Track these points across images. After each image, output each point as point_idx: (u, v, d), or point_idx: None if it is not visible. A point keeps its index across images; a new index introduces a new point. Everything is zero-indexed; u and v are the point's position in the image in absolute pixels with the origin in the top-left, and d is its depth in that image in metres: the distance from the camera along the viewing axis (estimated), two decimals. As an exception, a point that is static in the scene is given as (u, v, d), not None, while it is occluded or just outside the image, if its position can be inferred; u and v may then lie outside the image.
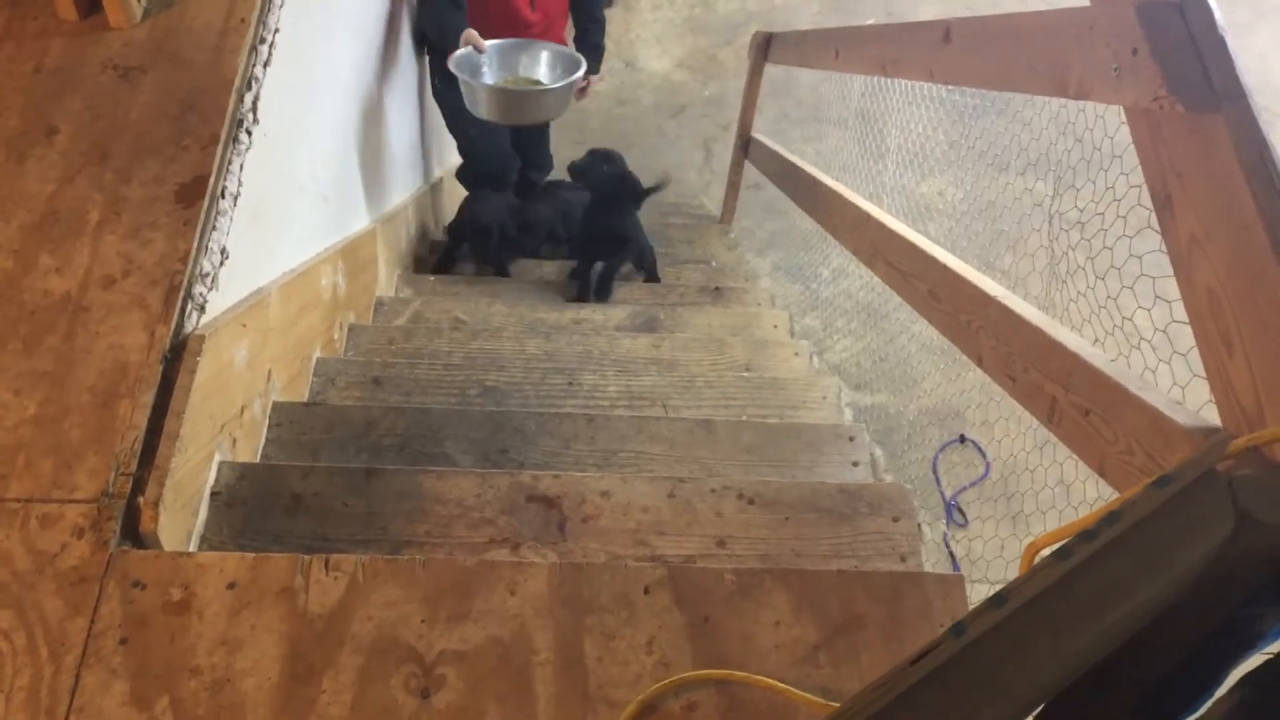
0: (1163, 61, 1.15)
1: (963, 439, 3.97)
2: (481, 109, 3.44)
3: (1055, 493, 3.03)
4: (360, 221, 3.14)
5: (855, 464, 2.05)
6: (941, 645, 0.74)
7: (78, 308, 1.64)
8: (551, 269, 3.96)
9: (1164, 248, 1.21)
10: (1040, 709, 0.79)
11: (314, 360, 2.43)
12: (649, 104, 6.50)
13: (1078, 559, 0.74)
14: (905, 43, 2.24)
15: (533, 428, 2.12)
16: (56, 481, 1.48)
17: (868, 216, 2.35)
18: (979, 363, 1.65)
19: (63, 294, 1.66)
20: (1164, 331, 1.41)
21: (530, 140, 4.59)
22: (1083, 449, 1.34)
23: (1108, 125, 1.61)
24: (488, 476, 1.81)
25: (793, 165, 3.54)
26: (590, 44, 4.03)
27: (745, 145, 4.66)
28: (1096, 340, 1.60)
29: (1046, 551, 0.80)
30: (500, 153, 4.40)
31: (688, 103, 6.52)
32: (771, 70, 4.57)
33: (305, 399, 2.33)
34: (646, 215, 5.00)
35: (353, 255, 2.86)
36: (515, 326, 3.06)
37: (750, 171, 4.79)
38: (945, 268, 1.81)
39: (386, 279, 3.39)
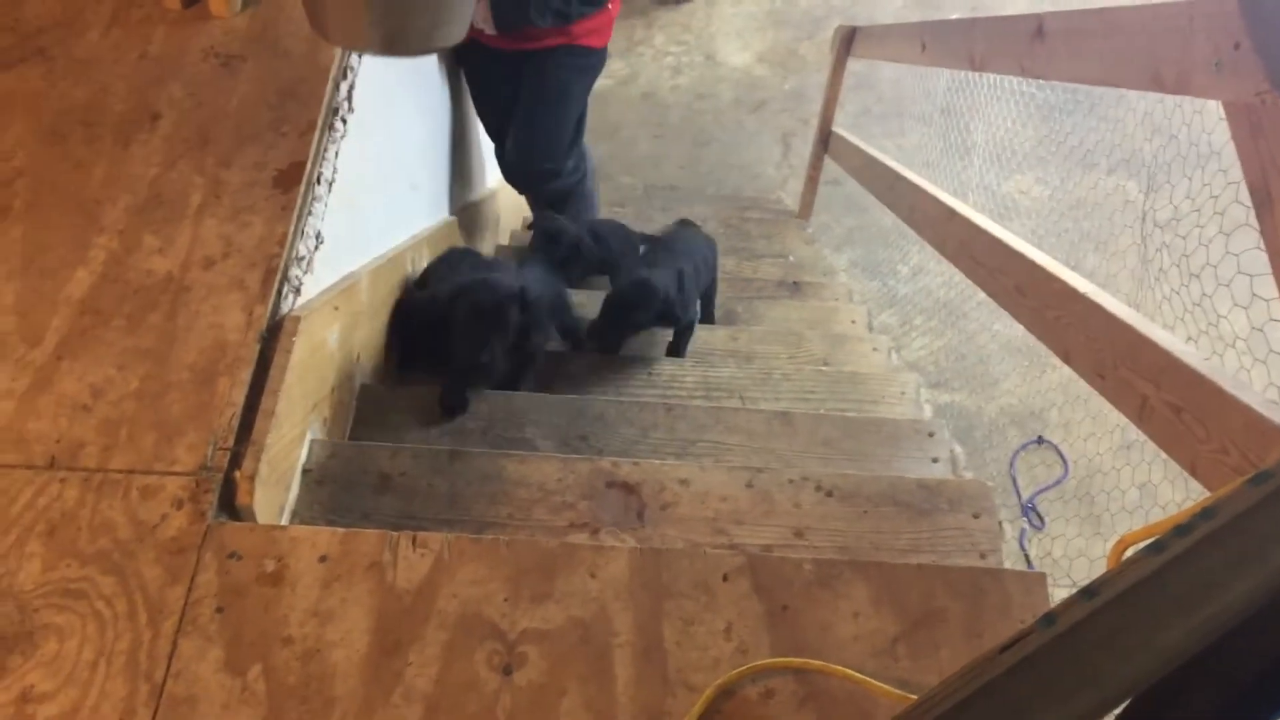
0: (1266, 56, 1.13)
1: (1041, 440, 3.92)
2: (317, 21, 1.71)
3: (1135, 495, 2.99)
4: (442, 211, 3.19)
5: (935, 460, 2.04)
6: (1031, 635, 0.75)
7: (179, 287, 1.70)
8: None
9: (1262, 245, 1.19)
10: (1126, 703, 0.79)
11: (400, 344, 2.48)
12: (729, 99, 6.49)
13: (1172, 553, 0.74)
14: (996, 36, 2.22)
15: (612, 415, 2.14)
16: (157, 454, 1.54)
17: (953, 212, 2.33)
18: (1066, 359, 1.64)
19: (165, 274, 1.72)
20: (1261, 330, 1.39)
21: (531, 124, 3.44)
22: (1174, 448, 1.32)
23: (1205, 121, 1.58)
24: (568, 462, 1.84)
25: (875, 160, 3.51)
26: None
27: (825, 140, 4.64)
28: (1189, 339, 1.58)
29: (1135, 548, 0.80)
30: (528, 150, 3.43)
31: (768, 97, 6.50)
32: (853, 64, 4.54)
33: (391, 382, 2.38)
34: (723, 209, 5.01)
35: (436, 243, 2.91)
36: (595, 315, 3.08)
37: (829, 167, 4.77)
38: (1033, 263, 1.79)
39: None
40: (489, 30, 3.13)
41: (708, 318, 3.10)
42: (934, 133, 4.33)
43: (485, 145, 3.89)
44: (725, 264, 3.97)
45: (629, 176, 5.79)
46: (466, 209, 3.60)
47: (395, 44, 1.65)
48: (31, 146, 1.88)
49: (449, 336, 2.20)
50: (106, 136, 1.88)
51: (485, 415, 2.13)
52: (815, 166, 4.82)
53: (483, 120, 3.56)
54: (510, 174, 3.61)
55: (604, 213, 4.80)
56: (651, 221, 4.73)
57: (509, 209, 4.59)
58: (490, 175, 4.15)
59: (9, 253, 1.73)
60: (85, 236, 1.75)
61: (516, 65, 3.32)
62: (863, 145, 3.90)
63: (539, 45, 3.25)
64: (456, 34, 1.66)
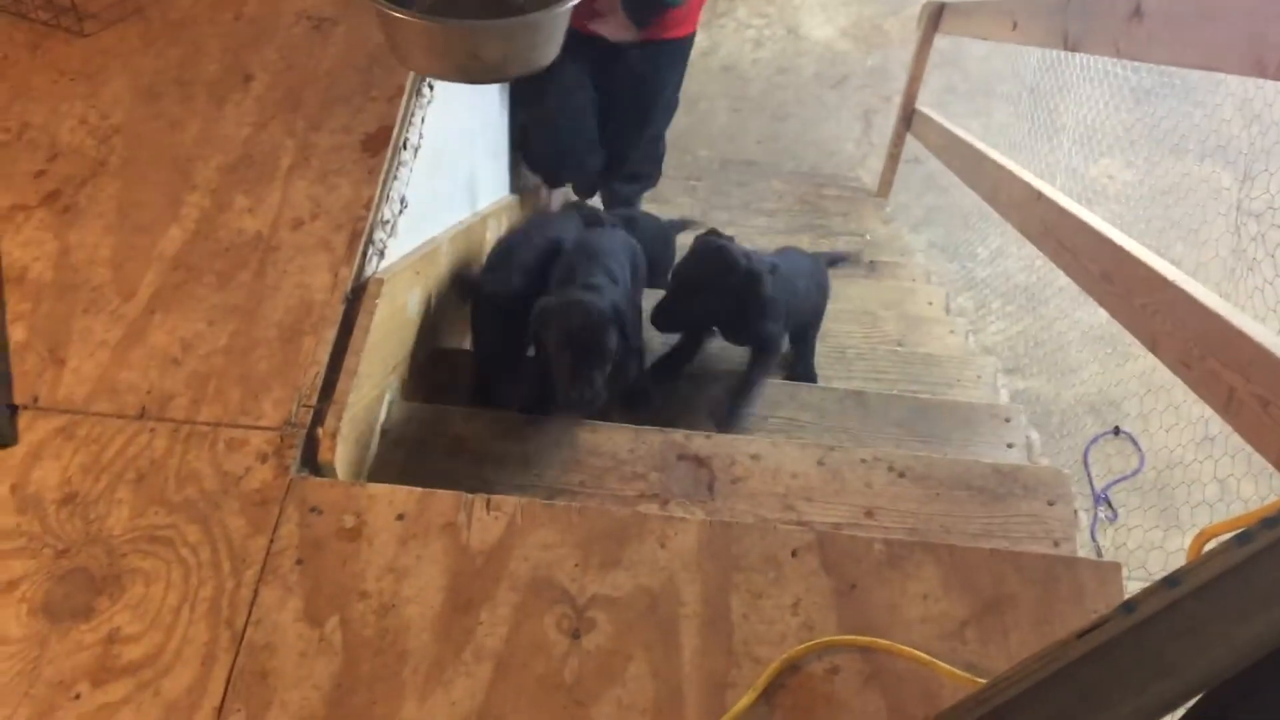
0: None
1: (1118, 430, 3.85)
2: (407, 53, 1.81)
3: (1214, 490, 2.93)
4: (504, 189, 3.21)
5: (1010, 445, 2.02)
6: (1110, 621, 0.74)
7: (268, 247, 1.74)
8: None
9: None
10: (1201, 695, 0.78)
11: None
12: (810, 73, 6.41)
13: (1259, 545, 0.73)
14: (1092, 16, 2.17)
15: (685, 388, 2.15)
16: (244, 409, 1.58)
17: (1039, 194, 2.29)
18: (1152, 348, 1.61)
19: (255, 233, 1.76)
20: (1358, 325, 1.35)
21: (622, 126, 3.14)
22: (1260, 441, 1.29)
23: (1309, 109, 1.54)
24: (641, 433, 1.85)
25: (959, 139, 3.46)
26: None
27: (908, 118, 4.58)
28: (1281, 332, 1.54)
29: (1217, 540, 0.79)
30: (569, 145, 3.03)
31: (849, 73, 6.42)
32: (939, 42, 4.47)
33: (466, 347, 2.41)
34: (800, 185, 4.96)
35: (514, 212, 2.93)
36: (669, 289, 3.09)
37: (910, 145, 4.70)
38: (1121, 249, 1.76)
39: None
40: (629, 36, 2.86)
41: (805, 368, 2.43)
42: (1020, 113, 4.25)
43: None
44: (800, 242, 3.95)
45: (706, 150, 5.76)
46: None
47: (473, 75, 1.80)
48: (128, 105, 1.93)
49: (538, 356, 1.96)
50: (200, 96, 1.93)
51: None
52: (896, 144, 4.75)
53: (531, 114, 2.99)
54: (599, 182, 3.39)
55: (679, 186, 4.78)
56: (729, 196, 4.71)
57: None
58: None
59: (105, 208, 1.78)
60: (179, 194, 1.79)
61: (604, 60, 2.94)
62: (947, 123, 3.84)
63: (645, 38, 2.90)
64: (538, 60, 1.79)
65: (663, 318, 2.08)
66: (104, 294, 1.68)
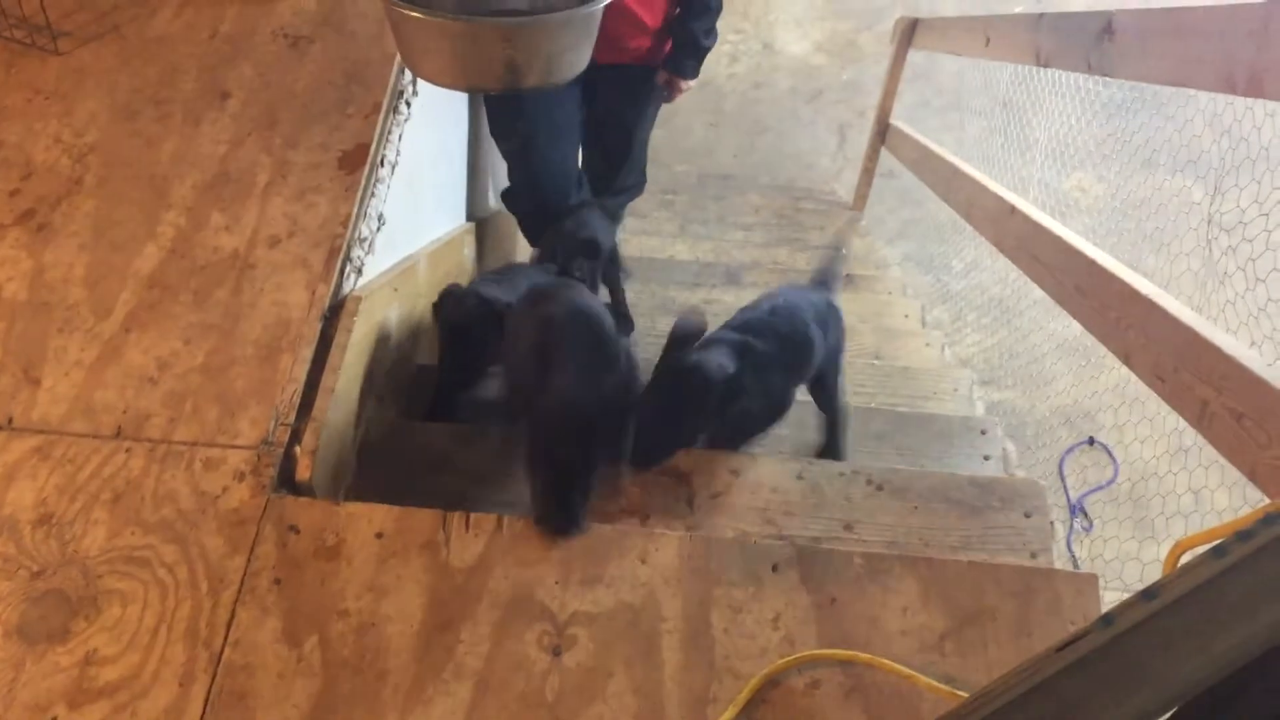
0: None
1: (1092, 441, 3.88)
2: (417, 59, 1.66)
3: (1189, 500, 2.95)
4: (495, 198, 3.21)
5: (986, 458, 2.03)
6: (1089, 634, 0.75)
7: (245, 265, 1.74)
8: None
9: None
10: (1179, 707, 0.79)
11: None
12: (785, 87, 6.45)
13: (1233, 559, 0.74)
14: (1063, 33, 2.20)
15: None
16: (221, 427, 1.57)
17: (1012, 208, 2.31)
18: (1126, 361, 1.62)
19: (231, 251, 1.75)
20: (1328, 337, 1.37)
21: (608, 146, 2.96)
22: (1233, 453, 1.31)
23: (1277, 125, 1.56)
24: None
25: (933, 153, 3.49)
26: (690, 33, 2.64)
27: (883, 132, 4.61)
28: (1253, 344, 1.56)
29: (1192, 553, 0.80)
30: (548, 169, 2.71)
31: (824, 87, 6.46)
32: (913, 56, 4.50)
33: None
34: (776, 199, 4.99)
35: (490, 227, 2.93)
36: (646, 303, 3.09)
37: (884, 159, 4.73)
38: (1094, 262, 1.77)
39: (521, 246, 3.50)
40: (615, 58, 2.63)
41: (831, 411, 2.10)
42: (994, 127, 4.28)
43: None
44: (778, 255, 3.97)
45: (683, 164, 5.77)
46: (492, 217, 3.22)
47: (504, 81, 1.59)
48: (104, 123, 1.92)
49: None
50: (177, 114, 1.92)
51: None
52: (871, 158, 4.78)
53: (508, 138, 2.70)
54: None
55: (655, 201, 4.77)
56: (705, 210, 4.73)
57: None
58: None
59: (81, 226, 1.77)
60: (155, 212, 1.79)
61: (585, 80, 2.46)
62: (921, 138, 3.87)
63: (625, 60, 2.69)
64: (576, 64, 1.65)
65: (642, 456, 1.73)
66: (79, 313, 1.67)
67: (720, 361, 1.73)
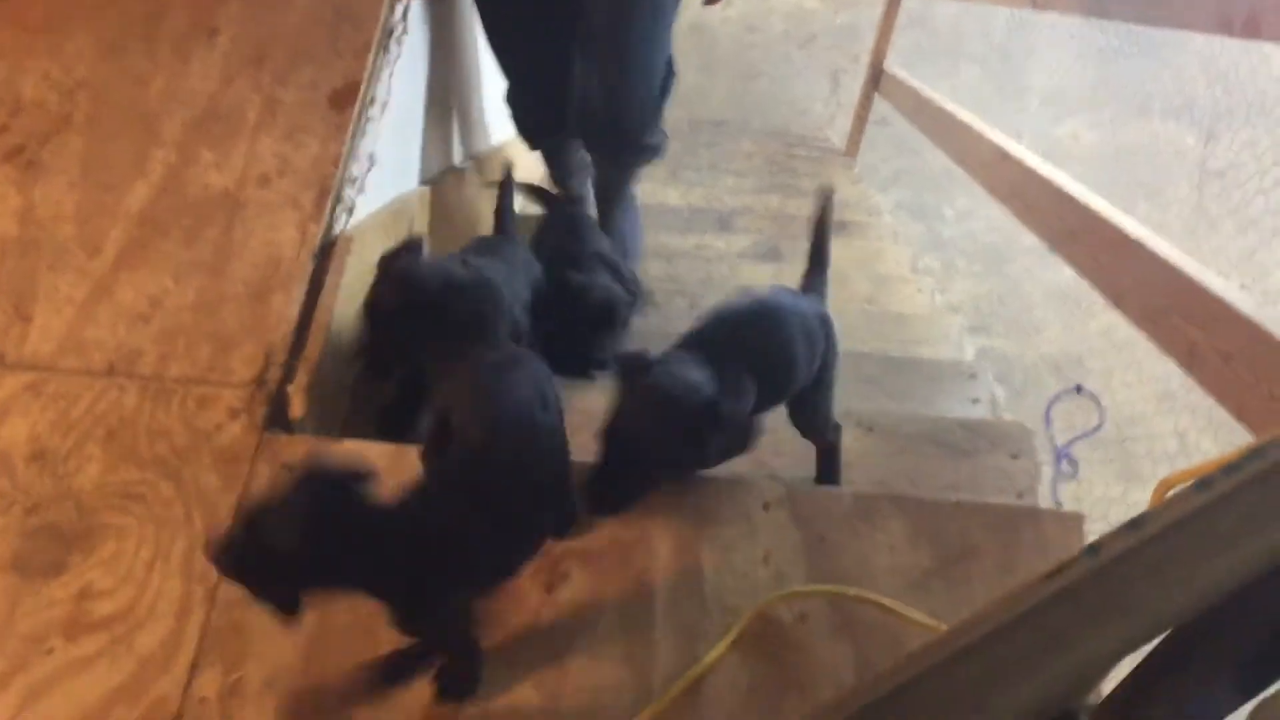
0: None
1: (1080, 388, 3.90)
2: None
3: (1171, 444, 2.99)
4: (495, 138, 3.19)
5: (975, 401, 2.05)
6: (1075, 564, 0.76)
7: (235, 203, 1.73)
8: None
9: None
10: (1164, 636, 0.80)
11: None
12: (778, 31, 6.39)
13: (1219, 491, 0.75)
14: (1059, -25, 2.19)
15: (656, 347, 2.16)
16: (213, 365, 1.57)
17: (1005, 154, 2.31)
18: (1116, 304, 1.63)
19: (221, 189, 1.74)
20: (1317, 280, 1.38)
21: (626, 59, 2.37)
22: (1221, 393, 1.32)
23: (1272, 69, 1.56)
24: (611, 390, 1.86)
25: (927, 100, 3.47)
26: None
27: (876, 78, 4.58)
28: (1243, 287, 1.57)
29: (1178, 489, 0.81)
30: (534, 79, 2.53)
31: (819, 31, 6.41)
32: (908, 2, 4.47)
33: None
34: (769, 145, 4.97)
35: (485, 170, 2.91)
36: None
37: (878, 106, 4.70)
38: (1087, 208, 1.78)
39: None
40: None
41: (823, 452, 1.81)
42: (988, 73, 4.27)
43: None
44: (769, 201, 3.95)
45: (674, 110, 5.74)
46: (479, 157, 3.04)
47: None
48: (91, 59, 1.90)
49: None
50: (165, 51, 1.90)
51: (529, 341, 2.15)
52: (864, 105, 4.76)
53: (504, 48, 2.52)
54: (596, 134, 2.55)
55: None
56: (697, 156, 4.70)
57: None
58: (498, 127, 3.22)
59: (70, 164, 1.76)
60: (144, 150, 1.77)
61: None
62: (916, 84, 3.85)
63: None
64: None
65: (601, 499, 1.44)
66: (69, 250, 1.66)
67: (699, 384, 1.42)
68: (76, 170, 1.74)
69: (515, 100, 2.68)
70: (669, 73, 2.49)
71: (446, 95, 2.60)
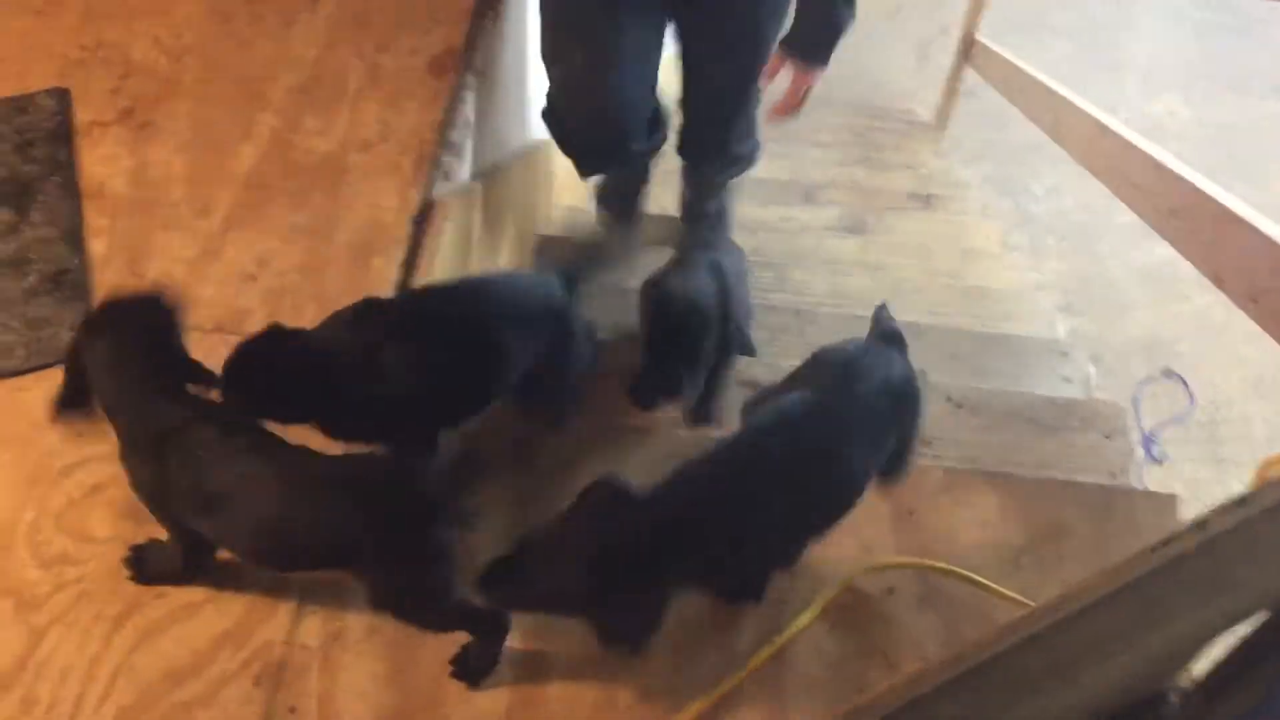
0: None
1: (1169, 373, 3.82)
2: None
3: (1261, 429, 2.93)
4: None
5: (1067, 380, 2.03)
6: (1180, 537, 0.76)
7: (339, 167, 1.77)
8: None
9: None
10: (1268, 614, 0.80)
11: (535, 236, 2.53)
12: (863, 2, 6.31)
13: (1330, 470, 0.74)
14: (1165, -54, 2.13)
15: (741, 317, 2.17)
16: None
17: (1104, 129, 2.27)
18: (1218, 283, 1.60)
19: (325, 154, 1.79)
20: None
21: (713, 77, 2.11)
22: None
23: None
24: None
25: (1023, 72, 3.40)
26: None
27: (967, 49, 4.50)
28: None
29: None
30: (620, 104, 2.03)
31: (904, 2, 6.30)
32: (1001, -28, 4.38)
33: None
34: (852, 117, 4.91)
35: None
36: (723, 219, 3.09)
37: (965, 79, 4.62)
38: (1190, 185, 1.74)
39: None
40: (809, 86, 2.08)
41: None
42: (1079, 47, 4.17)
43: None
44: (855, 174, 3.92)
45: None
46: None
47: None
48: (199, 24, 1.95)
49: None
50: (270, 16, 1.94)
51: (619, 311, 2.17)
52: (954, 77, 4.67)
53: (565, 43, 1.97)
54: (696, 140, 2.28)
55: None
56: (780, 128, 4.66)
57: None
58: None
59: (180, 125, 1.81)
60: (250, 114, 1.82)
61: None
62: (1010, 56, 3.78)
63: None
64: None
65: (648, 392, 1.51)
66: (180, 211, 1.72)
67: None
68: (186, 133, 1.80)
69: (566, 116, 2.08)
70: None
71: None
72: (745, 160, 2.38)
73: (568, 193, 2.91)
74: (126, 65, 1.89)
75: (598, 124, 2.03)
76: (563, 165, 2.62)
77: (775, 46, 2.03)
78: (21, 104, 1.86)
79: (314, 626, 1.35)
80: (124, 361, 1.22)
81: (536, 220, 2.56)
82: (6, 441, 1.40)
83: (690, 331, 1.54)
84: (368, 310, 1.37)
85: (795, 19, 1.97)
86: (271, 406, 1.29)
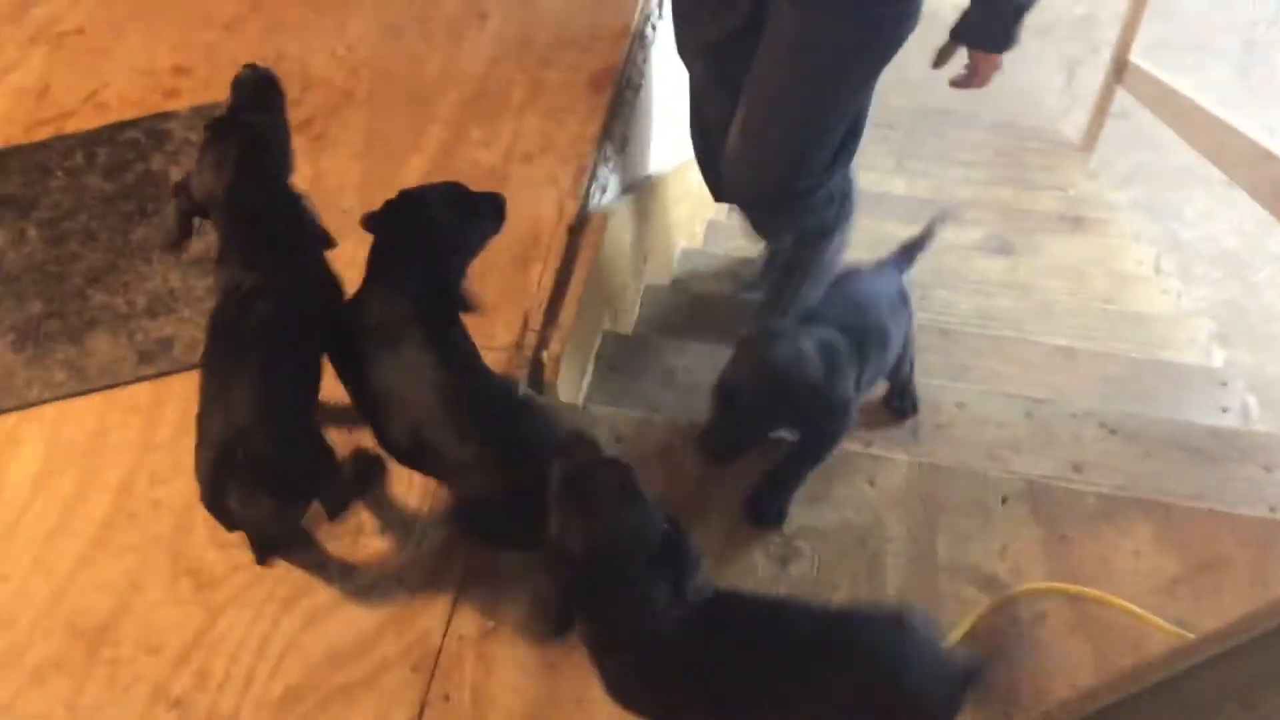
0: None
1: (1327, 406, 3.66)
2: None
3: None
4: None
5: (1225, 409, 1.97)
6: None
7: (500, 178, 1.84)
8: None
9: None
10: None
11: (679, 250, 2.57)
12: (1012, 20, 6.19)
13: None
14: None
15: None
16: (477, 329, 1.67)
17: (1269, 153, 2.20)
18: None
19: (488, 164, 1.86)
20: None
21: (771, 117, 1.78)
22: None
23: None
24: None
25: (1179, 94, 3.31)
26: None
27: (1120, 69, 4.39)
28: None
29: None
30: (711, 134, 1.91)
31: (1056, 21, 6.16)
32: (1156, -10, 4.25)
33: (671, 284, 2.47)
34: (998, 137, 4.83)
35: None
36: (862, 238, 3.07)
37: (1116, 99, 4.50)
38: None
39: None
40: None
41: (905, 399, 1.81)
42: (1236, 69, 4.03)
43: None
44: (1000, 194, 3.86)
45: (900, 98, 5.63)
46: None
47: None
48: (373, 40, 2.05)
49: None
50: (440, 33, 2.03)
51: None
52: (1105, 97, 4.55)
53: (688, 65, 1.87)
54: (731, 190, 1.95)
55: (870, 134, 4.62)
56: (923, 145, 4.63)
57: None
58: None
59: (354, 136, 1.91)
60: (419, 125, 1.91)
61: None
62: (1165, 77, 3.67)
63: None
64: None
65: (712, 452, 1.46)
66: (353, 217, 1.80)
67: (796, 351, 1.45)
68: (360, 143, 1.89)
69: (691, 135, 1.99)
70: (850, 135, 1.93)
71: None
72: (807, 213, 1.98)
73: (711, 209, 2.94)
74: (305, 78, 2.00)
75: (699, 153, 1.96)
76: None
77: (864, 56, 1.77)
78: (207, 114, 1.97)
79: (470, 617, 1.40)
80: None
81: (682, 233, 2.60)
82: (191, 427, 1.50)
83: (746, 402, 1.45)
84: None
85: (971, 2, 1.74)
86: None
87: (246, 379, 1.28)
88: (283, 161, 1.41)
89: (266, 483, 1.26)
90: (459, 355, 1.38)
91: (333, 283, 1.46)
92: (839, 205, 2.03)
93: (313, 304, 1.40)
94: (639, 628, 1.12)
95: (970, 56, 1.85)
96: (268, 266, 1.36)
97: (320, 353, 1.40)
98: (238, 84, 1.41)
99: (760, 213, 2.03)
